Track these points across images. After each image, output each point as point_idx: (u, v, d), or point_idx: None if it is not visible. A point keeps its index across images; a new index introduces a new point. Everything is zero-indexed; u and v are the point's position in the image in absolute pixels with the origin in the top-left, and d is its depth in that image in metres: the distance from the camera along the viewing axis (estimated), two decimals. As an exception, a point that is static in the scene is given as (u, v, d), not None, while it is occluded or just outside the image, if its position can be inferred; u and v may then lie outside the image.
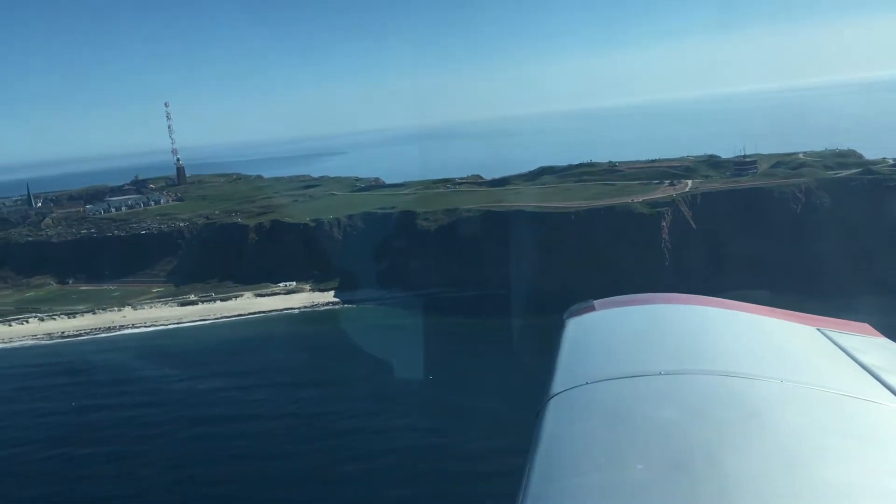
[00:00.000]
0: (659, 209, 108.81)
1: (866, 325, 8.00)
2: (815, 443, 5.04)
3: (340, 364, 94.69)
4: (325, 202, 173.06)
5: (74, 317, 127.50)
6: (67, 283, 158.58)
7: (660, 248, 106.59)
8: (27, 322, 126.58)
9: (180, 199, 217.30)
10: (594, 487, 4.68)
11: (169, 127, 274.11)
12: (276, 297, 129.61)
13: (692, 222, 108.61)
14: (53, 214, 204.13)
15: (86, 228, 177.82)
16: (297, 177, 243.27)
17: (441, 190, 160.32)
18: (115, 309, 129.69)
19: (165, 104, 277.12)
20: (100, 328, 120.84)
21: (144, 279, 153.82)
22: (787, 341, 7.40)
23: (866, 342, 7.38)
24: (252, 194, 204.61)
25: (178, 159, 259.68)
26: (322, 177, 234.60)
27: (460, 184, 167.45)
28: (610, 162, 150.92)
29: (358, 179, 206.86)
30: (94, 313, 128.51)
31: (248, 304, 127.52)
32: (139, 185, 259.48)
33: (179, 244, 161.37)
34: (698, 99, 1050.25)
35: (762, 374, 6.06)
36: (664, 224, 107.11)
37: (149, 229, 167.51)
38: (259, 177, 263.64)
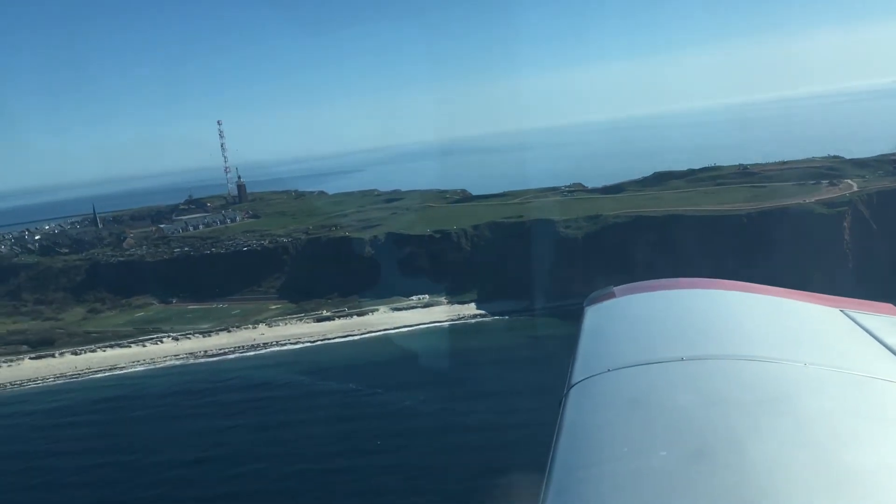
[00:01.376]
0: (839, 209, 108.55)
1: (890, 306, 8.04)
2: (840, 426, 5.09)
3: (533, 376, 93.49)
4: (427, 214, 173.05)
5: (209, 335, 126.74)
6: (170, 302, 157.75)
7: (842, 250, 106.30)
8: (161, 342, 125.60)
9: (256, 217, 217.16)
10: (617, 475, 4.78)
11: (222, 145, 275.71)
12: (414, 310, 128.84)
13: (872, 223, 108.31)
14: (131, 234, 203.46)
15: (179, 247, 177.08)
16: (368, 191, 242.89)
17: (557, 198, 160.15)
18: (249, 326, 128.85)
19: (218, 122, 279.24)
20: (243, 346, 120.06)
21: (254, 296, 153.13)
22: (810, 323, 7.46)
23: (890, 323, 7.42)
24: (335, 209, 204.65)
25: (238, 177, 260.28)
26: (394, 190, 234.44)
27: (573, 192, 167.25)
28: (740, 164, 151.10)
29: (443, 192, 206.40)
30: (229, 331, 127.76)
31: (387, 318, 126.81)
32: (199, 204, 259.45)
33: (285, 260, 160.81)
34: (699, 111, 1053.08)
35: (785, 357, 6.14)
36: (846, 225, 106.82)
37: (249, 246, 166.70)
38: (322, 192, 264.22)
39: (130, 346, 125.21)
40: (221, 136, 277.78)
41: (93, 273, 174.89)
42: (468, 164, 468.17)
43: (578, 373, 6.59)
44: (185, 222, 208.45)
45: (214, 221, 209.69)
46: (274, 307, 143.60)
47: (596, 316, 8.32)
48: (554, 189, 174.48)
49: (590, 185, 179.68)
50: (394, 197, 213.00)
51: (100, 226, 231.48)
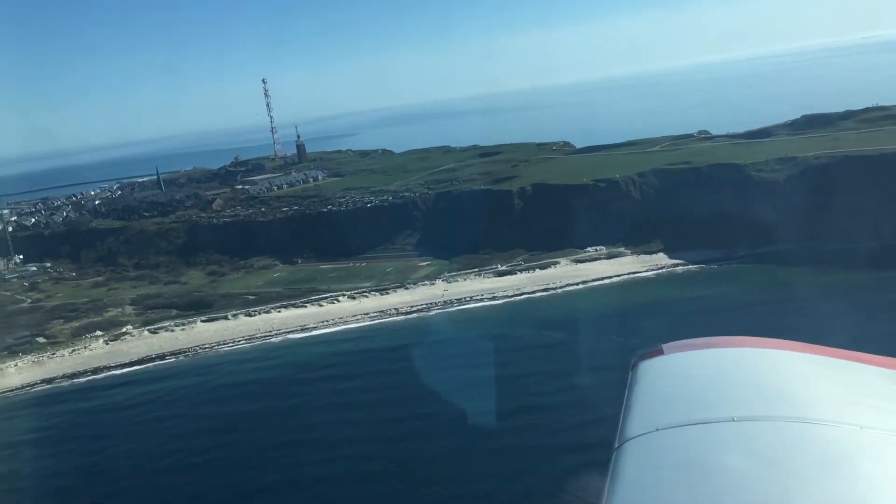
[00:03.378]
0: None
1: None
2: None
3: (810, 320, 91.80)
4: (553, 165, 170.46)
5: (387, 293, 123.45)
6: (296, 262, 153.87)
7: None
8: (337, 301, 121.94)
9: (338, 175, 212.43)
10: None
11: (268, 104, 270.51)
12: (599, 262, 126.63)
13: None
14: (209, 194, 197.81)
15: (287, 206, 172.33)
16: (443, 147, 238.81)
17: (704, 144, 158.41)
18: (427, 283, 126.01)
19: (263, 80, 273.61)
20: (435, 302, 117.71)
21: (391, 253, 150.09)
22: (866, 385, 7.50)
23: None
24: (426, 165, 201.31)
25: (298, 136, 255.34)
26: (472, 145, 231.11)
27: (708, 139, 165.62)
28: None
29: (544, 144, 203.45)
30: (406, 288, 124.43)
31: (573, 270, 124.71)
32: (255, 165, 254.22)
33: (415, 215, 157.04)
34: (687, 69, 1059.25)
35: (840, 419, 6.13)
36: None
37: (371, 202, 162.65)
38: (386, 150, 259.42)
39: (306, 307, 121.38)
40: (267, 95, 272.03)
41: (194, 235, 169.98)
42: (454, 127, 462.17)
43: (627, 432, 6.64)
44: (269, 182, 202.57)
45: (298, 181, 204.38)
46: (424, 264, 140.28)
47: (645, 374, 8.40)
48: (686, 136, 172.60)
49: (714, 132, 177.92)
50: (488, 151, 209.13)
51: (163, 188, 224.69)
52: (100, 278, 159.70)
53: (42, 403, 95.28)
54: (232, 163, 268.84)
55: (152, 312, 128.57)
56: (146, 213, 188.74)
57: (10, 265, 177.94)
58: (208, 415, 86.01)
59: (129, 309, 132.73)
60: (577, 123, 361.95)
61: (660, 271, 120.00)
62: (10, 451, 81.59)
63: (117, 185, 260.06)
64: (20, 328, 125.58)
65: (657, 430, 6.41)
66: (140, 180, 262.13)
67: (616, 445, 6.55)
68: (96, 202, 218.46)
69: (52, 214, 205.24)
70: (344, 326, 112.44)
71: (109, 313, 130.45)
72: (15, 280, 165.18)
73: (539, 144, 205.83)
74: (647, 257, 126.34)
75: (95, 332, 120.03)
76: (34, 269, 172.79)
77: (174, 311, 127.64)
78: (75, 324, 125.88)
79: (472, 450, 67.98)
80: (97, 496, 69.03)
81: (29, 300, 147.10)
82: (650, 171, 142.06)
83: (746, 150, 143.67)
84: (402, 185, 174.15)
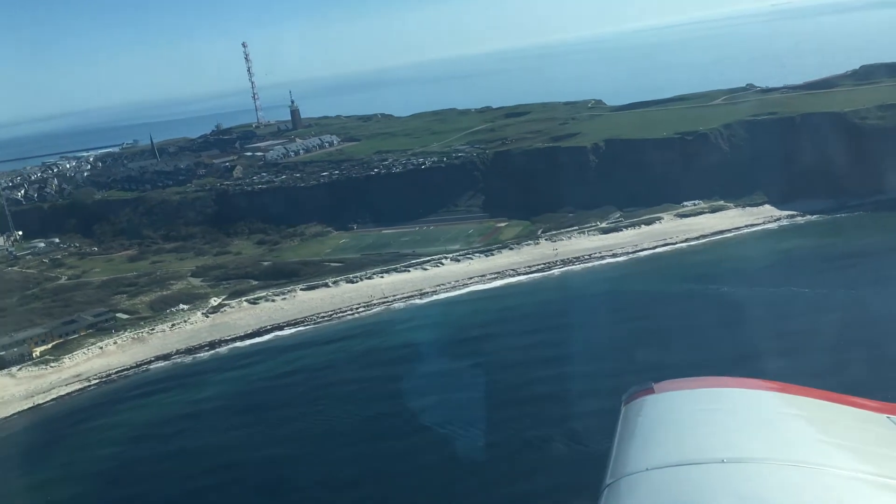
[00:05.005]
0: None
1: None
2: None
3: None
4: (608, 121, 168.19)
5: (491, 255, 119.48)
6: (351, 227, 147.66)
7: None
8: (441, 264, 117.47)
9: (354, 140, 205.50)
10: None
11: (248, 69, 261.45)
12: (704, 216, 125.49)
13: None
14: (233, 164, 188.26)
15: (327, 171, 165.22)
16: (448, 110, 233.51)
17: (772, 96, 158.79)
18: (530, 243, 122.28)
19: (243, 45, 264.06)
20: (553, 262, 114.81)
21: (456, 216, 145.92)
22: (856, 429, 7.73)
23: None
24: (448, 126, 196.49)
25: (292, 101, 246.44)
26: (485, 108, 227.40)
27: (768, 91, 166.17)
28: None
29: (572, 102, 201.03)
30: (511, 249, 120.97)
31: (682, 225, 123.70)
32: (245, 133, 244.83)
33: (475, 176, 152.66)
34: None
35: (829, 463, 6.27)
36: None
37: (423, 164, 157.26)
38: (387, 115, 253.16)
39: (409, 271, 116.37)
40: (248, 60, 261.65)
41: (225, 204, 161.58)
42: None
43: (617, 470, 6.76)
44: (285, 148, 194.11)
45: (314, 146, 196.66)
46: (503, 224, 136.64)
47: (635, 412, 8.58)
48: (740, 90, 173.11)
49: (761, 85, 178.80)
50: (513, 112, 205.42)
51: (158, 157, 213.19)
52: (131, 251, 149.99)
53: (177, 377, 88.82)
54: (213, 131, 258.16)
55: (228, 284, 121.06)
56: (160, 184, 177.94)
57: (12, 241, 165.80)
58: (385, 377, 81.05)
59: (195, 281, 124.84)
60: (564, 85, 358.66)
61: (780, 223, 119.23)
62: (185, 425, 74.87)
63: (93, 156, 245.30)
64: (82, 305, 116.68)
65: (647, 469, 6.37)
66: (116, 149, 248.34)
67: (606, 483, 6.49)
68: (84, 173, 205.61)
69: (41, 188, 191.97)
70: (469, 289, 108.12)
71: (176, 286, 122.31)
72: (30, 257, 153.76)
73: (567, 103, 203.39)
74: (754, 209, 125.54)
75: (179, 305, 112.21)
76: (42, 245, 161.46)
77: (254, 282, 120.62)
78: (145, 298, 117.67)
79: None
80: (340, 459, 63.39)
81: (64, 277, 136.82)
82: (736, 122, 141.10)
83: (826, 100, 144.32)
84: (446, 146, 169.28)
